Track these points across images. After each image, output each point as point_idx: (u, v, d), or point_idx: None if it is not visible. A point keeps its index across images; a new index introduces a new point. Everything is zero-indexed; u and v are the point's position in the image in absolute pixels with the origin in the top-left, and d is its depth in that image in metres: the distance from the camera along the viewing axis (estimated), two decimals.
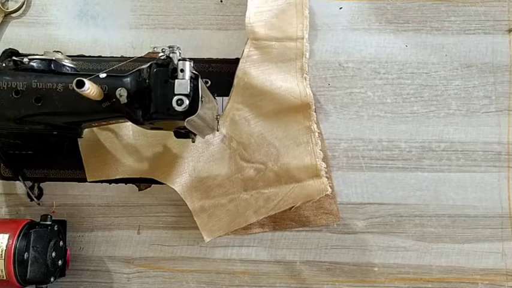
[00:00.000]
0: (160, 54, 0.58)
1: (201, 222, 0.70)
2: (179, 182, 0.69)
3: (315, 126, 0.71)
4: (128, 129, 0.71)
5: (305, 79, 0.72)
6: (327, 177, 0.70)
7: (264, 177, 0.70)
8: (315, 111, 0.71)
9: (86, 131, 0.70)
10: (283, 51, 0.72)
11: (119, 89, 0.57)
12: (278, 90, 0.70)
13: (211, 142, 0.71)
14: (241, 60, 0.72)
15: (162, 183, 0.71)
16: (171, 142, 0.70)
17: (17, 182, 0.72)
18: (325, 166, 0.71)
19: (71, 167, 0.72)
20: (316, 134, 0.71)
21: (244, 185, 0.70)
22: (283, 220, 0.71)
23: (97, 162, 0.71)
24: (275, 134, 0.71)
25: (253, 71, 0.71)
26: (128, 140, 0.71)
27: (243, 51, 0.72)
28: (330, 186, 0.70)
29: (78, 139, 0.70)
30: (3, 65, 0.61)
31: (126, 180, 0.72)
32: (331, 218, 0.71)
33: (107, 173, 0.71)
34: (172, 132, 0.68)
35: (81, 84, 0.52)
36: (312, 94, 0.71)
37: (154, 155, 0.71)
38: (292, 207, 0.70)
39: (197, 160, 0.70)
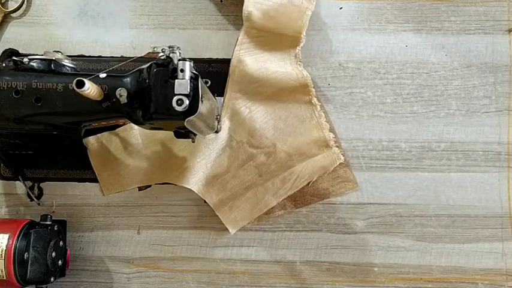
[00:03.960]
0: (160, 54, 0.58)
1: (224, 216, 0.70)
2: (195, 182, 0.69)
3: (316, 99, 0.71)
4: (136, 138, 0.71)
5: (299, 65, 0.72)
6: (337, 146, 0.71)
7: (276, 159, 0.70)
8: (314, 87, 0.72)
9: (95, 145, 0.71)
10: (277, 42, 0.72)
11: (119, 89, 0.57)
12: (274, 75, 0.70)
13: (218, 136, 0.71)
14: (235, 48, 0.72)
15: (162, 184, 0.71)
16: (180, 145, 0.71)
17: (17, 182, 0.72)
18: (334, 136, 0.71)
19: (71, 167, 0.72)
20: (318, 107, 0.71)
21: (258, 171, 0.71)
22: (303, 197, 0.71)
23: (110, 175, 0.71)
24: (278, 115, 0.71)
25: (247, 58, 0.71)
26: (138, 148, 0.71)
27: (237, 38, 0.72)
28: (342, 154, 0.70)
29: (89, 155, 0.71)
30: (3, 65, 0.61)
31: None
32: (349, 185, 0.71)
33: (122, 185, 0.71)
34: None
35: (81, 84, 0.52)
36: (308, 75, 0.71)
37: (165, 160, 0.71)
38: (309, 182, 0.70)
39: (208, 157, 0.70)
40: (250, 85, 0.71)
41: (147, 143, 0.71)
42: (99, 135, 0.71)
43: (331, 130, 0.72)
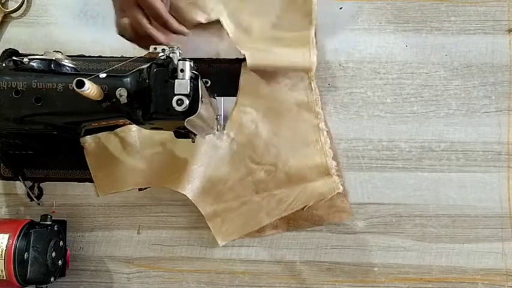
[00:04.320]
0: (160, 54, 0.58)
1: (215, 227, 0.70)
2: (190, 188, 0.69)
3: (323, 124, 0.71)
4: (134, 139, 0.71)
5: (312, 89, 0.71)
6: (338, 175, 0.70)
7: (275, 178, 0.70)
8: (322, 109, 0.72)
9: (92, 144, 0.71)
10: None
11: (119, 89, 0.57)
12: (282, 87, 0.70)
13: (220, 146, 0.71)
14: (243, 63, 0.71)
15: None
16: (179, 149, 0.70)
17: (17, 182, 0.72)
18: (336, 164, 0.71)
19: (71, 167, 0.72)
20: (325, 132, 0.71)
21: (255, 188, 0.70)
22: (296, 220, 0.70)
23: (106, 175, 0.71)
24: (284, 135, 0.71)
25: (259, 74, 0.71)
26: (135, 150, 0.71)
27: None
28: (341, 184, 0.70)
29: (86, 154, 0.71)
30: (3, 65, 0.61)
31: None
32: (344, 215, 0.71)
33: (117, 186, 0.71)
34: (179, 140, 0.67)
35: (81, 84, 0.52)
36: (317, 90, 0.71)
37: (162, 164, 0.71)
38: (305, 207, 0.69)
39: (207, 165, 0.70)
40: (260, 99, 0.71)
41: (144, 144, 0.71)
42: (97, 134, 0.71)
43: (334, 157, 0.71)
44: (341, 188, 0.70)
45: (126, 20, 0.65)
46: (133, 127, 0.71)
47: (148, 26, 0.64)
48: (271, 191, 0.70)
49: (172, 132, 0.68)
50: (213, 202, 0.70)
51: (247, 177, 0.70)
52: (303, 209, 0.70)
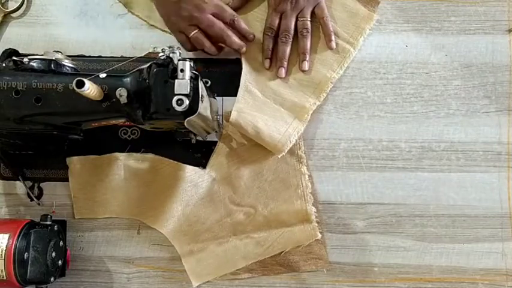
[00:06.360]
0: (160, 54, 0.58)
1: (189, 267, 0.69)
2: (167, 227, 0.69)
3: (305, 168, 0.71)
4: (119, 168, 0.70)
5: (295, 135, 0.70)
6: (317, 221, 0.70)
7: (254, 221, 0.70)
8: (305, 153, 0.71)
9: (77, 166, 0.70)
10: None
11: (119, 89, 0.57)
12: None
13: (200, 185, 0.70)
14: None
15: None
16: (161, 184, 0.70)
17: (17, 182, 0.72)
18: (315, 210, 0.70)
19: None
20: (307, 176, 0.71)
21: (233, 229, 0.70)
22: (272, 265, 0.70)
23: (86, 199, 0.71)
24: (265, 177, 0.71)
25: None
26: (118, 179, 0.70)
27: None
28: (319, 231, 0.70)
29: (69, 175, 0.71)
30: (3, 65, 0.61)
31: None
32: (321, 263, 0.70)
33: (95, 211, 0.71)
34: (162, 175, 0.68)
35: (81, 84, 0.52)
36: (297, 139, 0.70)
37: (143, 197, 0.70)
38: (282, 252, 0.69)
39: (186, 204, 0.70)
40: (243, 139, 0.71)
41: (129, 175, 0.70)
42: (84, 156, 0.70)
43: (315, 203, 0.71)
44: (319, 235, 0.69)
45: (183, 37, 0.70)
46: (121, 155, 0.70)
47: (207, 43, 0.69)
48: (249, 233, 0.70)
49: (156, 166, 0.69)
50: (190, 241, 0.70)
51: (225, 219, 0.70)
52: (280, 253, 0.69)
